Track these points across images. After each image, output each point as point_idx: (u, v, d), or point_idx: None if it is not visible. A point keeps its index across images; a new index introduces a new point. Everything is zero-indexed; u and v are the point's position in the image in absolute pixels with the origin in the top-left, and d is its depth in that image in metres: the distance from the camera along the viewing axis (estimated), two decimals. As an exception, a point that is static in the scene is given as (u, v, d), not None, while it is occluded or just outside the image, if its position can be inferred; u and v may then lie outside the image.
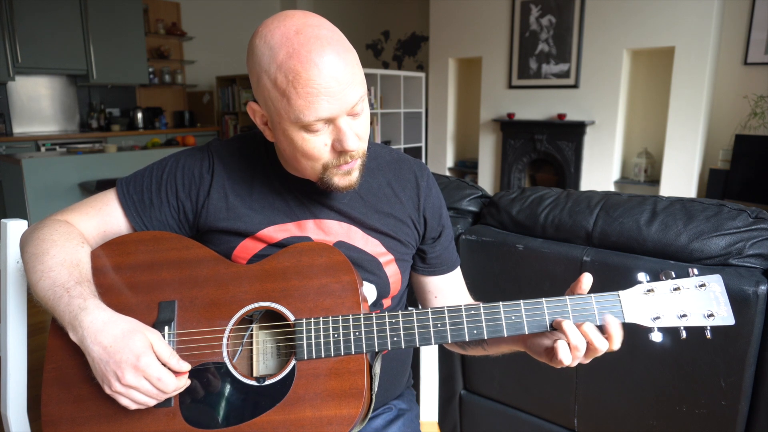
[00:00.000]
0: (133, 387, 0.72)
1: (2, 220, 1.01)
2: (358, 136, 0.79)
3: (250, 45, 0.77)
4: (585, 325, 0.75)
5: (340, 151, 0.78)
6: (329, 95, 0.72)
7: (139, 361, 0.71)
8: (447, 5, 5.43)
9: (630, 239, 1.19)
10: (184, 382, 0.76)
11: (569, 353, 0.75)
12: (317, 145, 0.77)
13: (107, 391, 0.73)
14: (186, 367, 0.76)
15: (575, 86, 4.78)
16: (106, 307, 0.76)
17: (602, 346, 0.75)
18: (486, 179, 5.54)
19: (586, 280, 0.79)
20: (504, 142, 5.25)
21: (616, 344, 0.76)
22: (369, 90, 5.02)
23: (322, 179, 0.82)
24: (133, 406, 0.74)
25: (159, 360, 0.74)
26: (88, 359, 0.74)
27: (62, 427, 0.78)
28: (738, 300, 1.01)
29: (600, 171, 4.79)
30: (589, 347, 0.75)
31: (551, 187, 1.45)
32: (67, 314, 0.74)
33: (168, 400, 0.78)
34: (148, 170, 0.93)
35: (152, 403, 0.74)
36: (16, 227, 1.00)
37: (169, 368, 0.74)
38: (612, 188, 4.84)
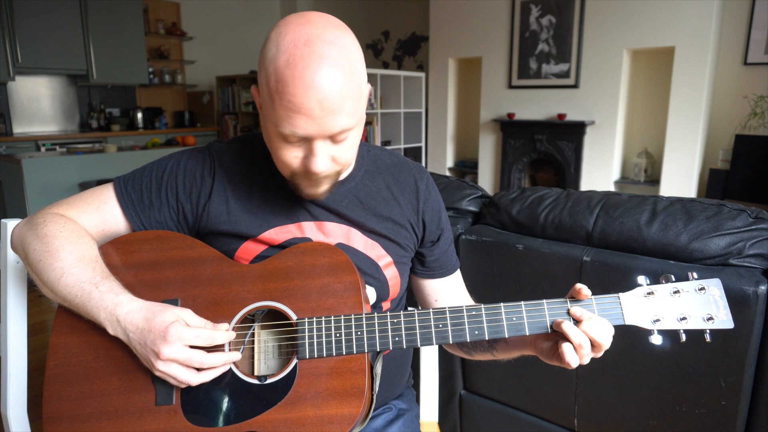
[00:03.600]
0: (171, 359, 0.72)
1: (2, 220, 1.01)
2: (334, 159, 0.78)
3: (268, 35, 0.76)
4: (584, 324, 0.75)
5: (306, 169, 0.78)
6: (309, 116, 0.71)
7: (169, 331, 0.72)
8: (447, 5, 5.43)
9: (630, 239, 1.20)
10: (229, 336, 0.77)
11: (575, 354, 0.75)
12: (289, 155, 0.78)
13: (156, 373, 0.75)
14: (225, 326, 0.78)
15: (575, 86, 4.78)
16: (138, 298, 0.78)
17: (605, 341, 0.75)
18: (486, 179, 5.54)
19: (585, 291, 0.79)
20: (504, 142, 5.25)
21: (601, 339, 0.75)
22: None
23: (290, 182, 0.83)
24: (191, 381, 0.74)
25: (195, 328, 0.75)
26: (132, 350, 0.76)
27: (63, 425, 0.78)
28: (738, 300, 1.01)
29: (600, 171, 4.79)
30: (593, 343, 0.75)
31: (551, 187, 1.45)
32: (102, 311, 0.76)
33: (169, 398, 0.78)
34: (147, 170, 0.92)
35: (197, 375, 0.74)
36: (16, 227, 1.00)
37: (208, 330, 0.76)
38: (612, 188, 4.84)
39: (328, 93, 0.71)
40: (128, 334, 0.75)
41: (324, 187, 0.82)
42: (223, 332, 0.77)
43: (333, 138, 0.76)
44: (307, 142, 0.76)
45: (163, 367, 0.73)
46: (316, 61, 0.70)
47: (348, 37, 0.75)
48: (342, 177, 0.91)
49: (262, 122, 0.81)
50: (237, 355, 0.78)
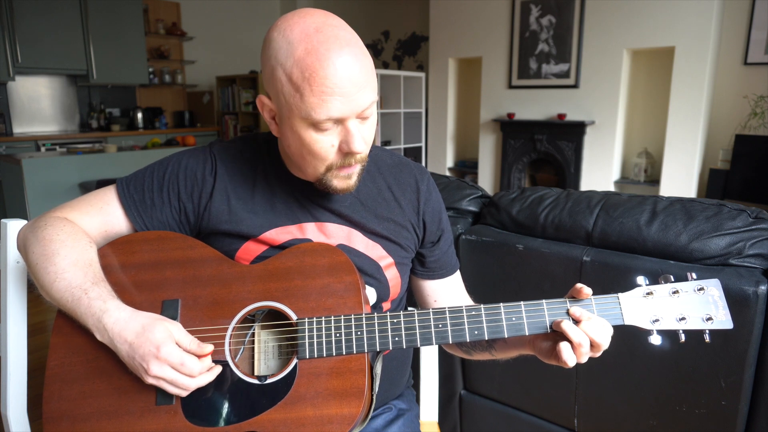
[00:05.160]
0: (159, 377, 0.73)
1: (2, 220, 1.01)
2: (364, 139, 0.79)
3: (267, 37, 0.77)
4: (583, 324, 0.75)
5: (346, 152, 0.79)
6: (343, 95, 0.73)
7: (160, 351, 0.73)
8: (447, 5, 5.43)
9: (630, 239, 1.20)
10: (208, 363, 0.77)
11: (572, 353, 0.75)
12: (324, 145, 0.78)
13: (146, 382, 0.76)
14: (209, 348, 0.77)
15: (575, 86, 4.78)
16: (126, 306, 0.77)
17: (604, 341, 0.76)
18: (486, 179, 5.54)
19: (585, 290, 0.79)
20: (504, 142, 5.25)
21: (600, 339, 0.75)
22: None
23: (321, 180, 0.83)
24: (182, 393, 0.76)
25: (182, 348, 0.75)
26: (120, 358, 0.76)
27: (63, 424, 0.78)
28: (738, 300, 1.01)
29: (600, 171, 4.79)
30: (592, 343, 0.75)
31: (551, 187, 1.45)
32: (90, 317, 0.76)
33: (169, 398, 0.78)
34: (149, 170, 0.92)
35: (185, 390, 0.75)
36: (16, 227, 1.00)
37: (193, 353, 0.76)
38: (612, 188, 4.84)
39: (356, 70, 0.73)
40: (115, 344, 0.75)
41: (355, 178, 0.84)
42: (204, 362, 0.77)
43: (360, 116, 0.78)
44: (340, 125, 0.77)
45: (152, 381, 0.75)
46: (335, 43, 0.72)
47: (342, 20, 0.78)
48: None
49: (283, 128, 0.80)
50: (210, 364, 0.78)
